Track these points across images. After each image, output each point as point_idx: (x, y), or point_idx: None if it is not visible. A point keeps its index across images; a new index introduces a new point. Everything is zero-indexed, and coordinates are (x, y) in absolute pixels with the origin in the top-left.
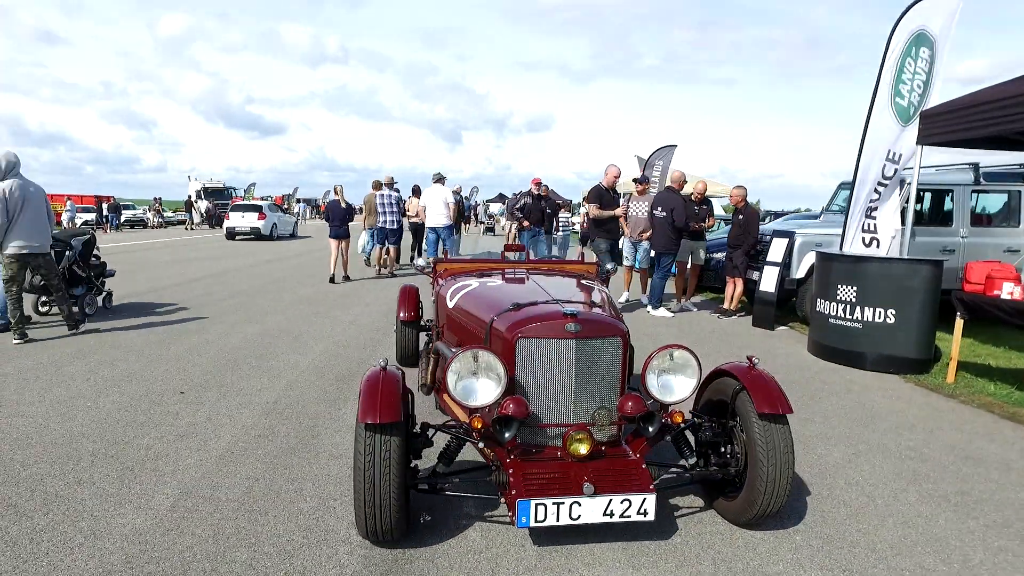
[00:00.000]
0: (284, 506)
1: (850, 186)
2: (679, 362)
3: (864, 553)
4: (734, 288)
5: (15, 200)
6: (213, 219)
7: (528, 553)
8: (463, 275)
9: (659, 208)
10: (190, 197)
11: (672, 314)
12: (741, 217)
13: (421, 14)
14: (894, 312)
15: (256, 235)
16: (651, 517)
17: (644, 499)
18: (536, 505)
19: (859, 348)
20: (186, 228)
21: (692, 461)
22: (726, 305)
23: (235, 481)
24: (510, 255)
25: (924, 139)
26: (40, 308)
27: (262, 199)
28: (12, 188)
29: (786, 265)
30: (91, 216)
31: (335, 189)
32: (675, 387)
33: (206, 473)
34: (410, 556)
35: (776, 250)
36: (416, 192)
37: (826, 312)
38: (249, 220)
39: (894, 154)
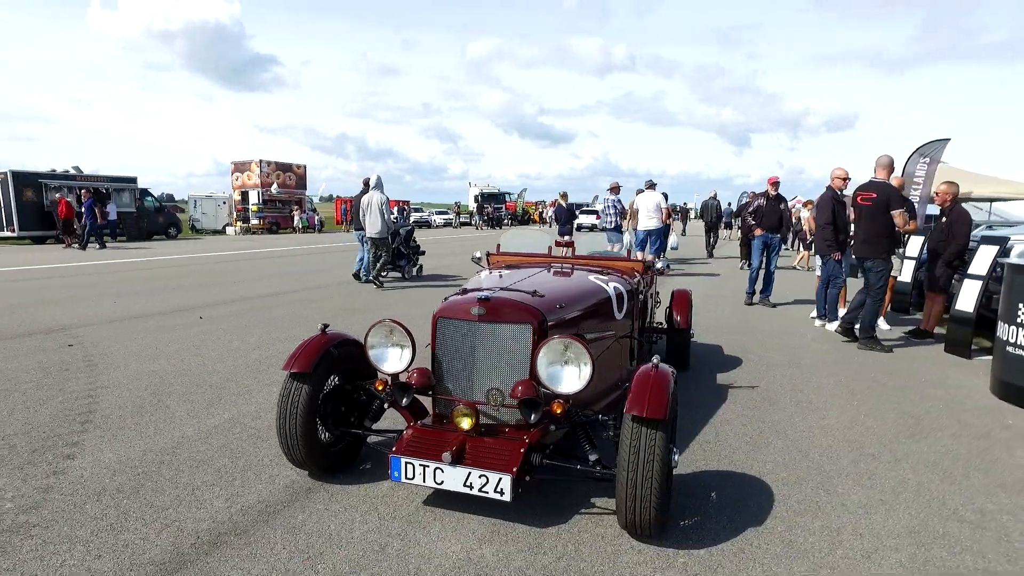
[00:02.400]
0: None
1: None
2: (571, 355)
3: None
4: (932, 305)
5: (366, 206)
6: (492, 220)
7: (409, 506)
8: (503, 267)
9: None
10: (479, 201)
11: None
12: (945, 220)
13: (712, 15)
14: None
15: (592, 228)
16: (507, 497)
17: (500, 479)
18: (405, 463)
19: None
20: (476, 228)
21: (594, 458)
22: (924, 325)
23: (272, 417)
24: (557, 251)
25: None
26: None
27: (537, 203)
28: (364, 200)
29: (996, 279)
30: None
31: (561, 195)
32: (564, 378)
33: (261, 409)
34: (322, 487)
35: (981, 261)
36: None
37: (1006, 339)
38: (590, 220)
39: None
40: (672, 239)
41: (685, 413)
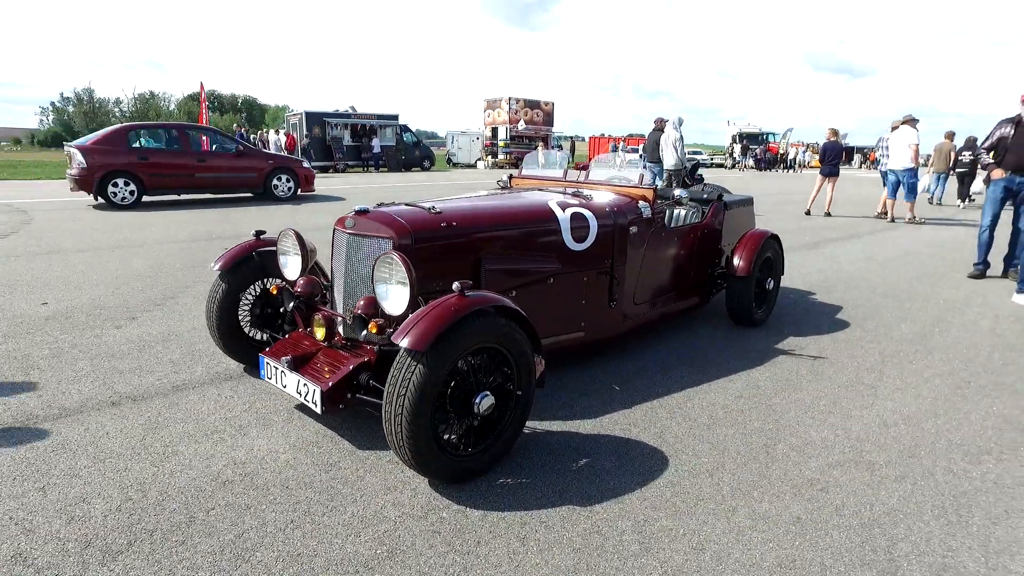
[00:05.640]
0: None
1: None
2: (396, 274)
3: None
4: None
5: (663, 142)
6: (762, 163)
7: (287, 405)
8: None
9: None
10: (738, 141)
11: None
12: None
13: None
14: None
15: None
16: (318, 409)
17: (315, 390)
18: (267, 363)
19: None
20: (739, 169)
21: None
22: None
23: None
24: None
25: None
26: None
27: (809, 144)
28: (662, 136)
29: None
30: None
31: (830, 131)
32: (390, 296)
33: None
34: (245, 378)
35: None
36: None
37: None
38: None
39: None
40: (925, 181)
41: (677, 370)
